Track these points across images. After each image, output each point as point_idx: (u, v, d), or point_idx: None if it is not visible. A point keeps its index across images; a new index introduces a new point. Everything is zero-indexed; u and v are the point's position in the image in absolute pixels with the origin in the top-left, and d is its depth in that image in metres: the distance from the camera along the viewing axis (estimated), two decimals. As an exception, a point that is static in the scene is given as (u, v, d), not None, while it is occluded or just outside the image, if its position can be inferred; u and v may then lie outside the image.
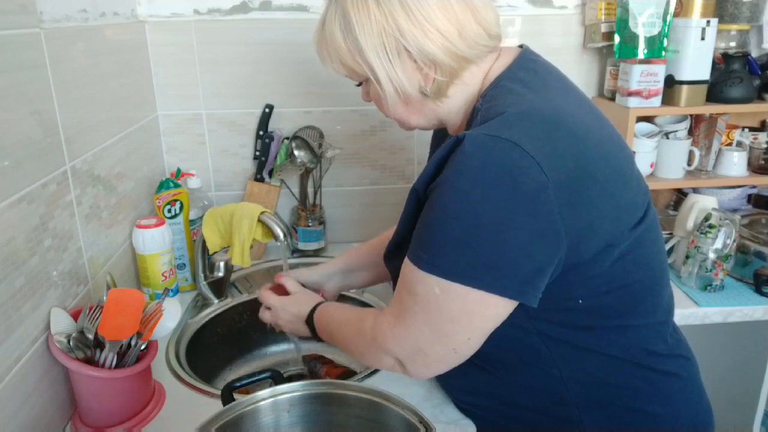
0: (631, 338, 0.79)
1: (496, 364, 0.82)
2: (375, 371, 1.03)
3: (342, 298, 1.17)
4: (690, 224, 1.32)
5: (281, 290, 1.07)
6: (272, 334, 1.32)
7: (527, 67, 0.79)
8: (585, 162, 0.69)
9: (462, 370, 0.78)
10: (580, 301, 0.75)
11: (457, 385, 0.91)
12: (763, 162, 1.51)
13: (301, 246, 1.53)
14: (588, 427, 0.80)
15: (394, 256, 0.84)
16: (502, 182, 0.65)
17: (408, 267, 0.74)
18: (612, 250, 0.73)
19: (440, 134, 1.00)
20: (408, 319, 0.75)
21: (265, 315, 1.05)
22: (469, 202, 0.67)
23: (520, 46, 0.84)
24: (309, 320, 0.96)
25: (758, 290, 1.30)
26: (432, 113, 0.84)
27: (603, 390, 0.79)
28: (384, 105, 0.83)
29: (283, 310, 1.01)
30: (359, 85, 0.85)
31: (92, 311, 0.89)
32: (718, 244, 1.25)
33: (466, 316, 0.71)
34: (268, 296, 1.04)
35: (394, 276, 0.86)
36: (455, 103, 0.81)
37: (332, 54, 0.80)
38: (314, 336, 0.96)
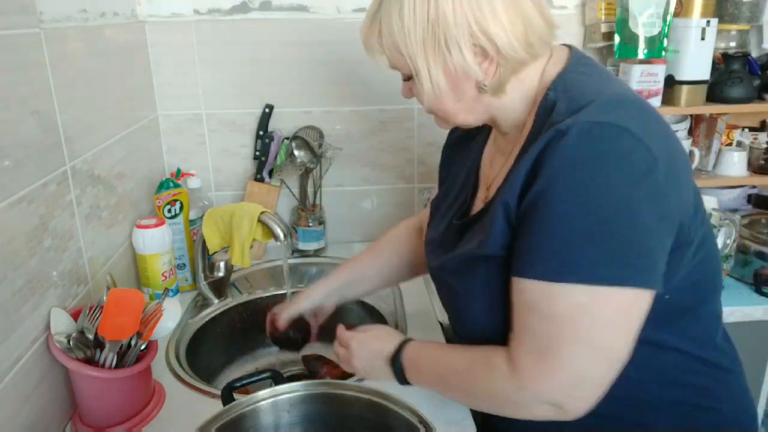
0: (701, 330, 0.79)
1: None
2: (375, 371, 1.02)
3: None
4: (690, 224, 1.32)
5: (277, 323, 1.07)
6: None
7: (585, 62, 0.79)
8: (671, 146, 0.69)
9: None
10: (667, 297, 0.71)
11: None
12: (763, 162, 1.51)
13: (301, 246, 1.53)
14: (660, 425, 0.78)
15: (467, 266, 0.78)
16: (620, 168, 0.63)
17: (534, 289, 0.67)
18: (694, 239, 0.72)
19: (455, 140, 0.99)
20: (555, 349, 0.66)
21: (339, 351, 0.95)
22: (592, 194, 0.63)
23: (567, 45, 0.83)
24: (395, 359, 0.85)
25: (758, 290, 1.30)
26: (483, 109, 0.79)
27: (675, 390, 0.78)
28: (432, 98, 0.77)
29: (361, 345, 0.90)
30: (407, 79, 0.80)
31: (92, 311, 0.89)
32: (719, 245, 1.25)
33: (623, 317, 0.66)
34: (344, 333, 0.94)
35: (432, 268, 0.83)
36: (511, 100, 0.78)
37: (386, 42, 0.76)
38: (397, 378, 0.86)
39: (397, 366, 0.85)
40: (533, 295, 0.67)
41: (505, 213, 0.71)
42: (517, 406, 0.72)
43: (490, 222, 0.73)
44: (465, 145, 0.96)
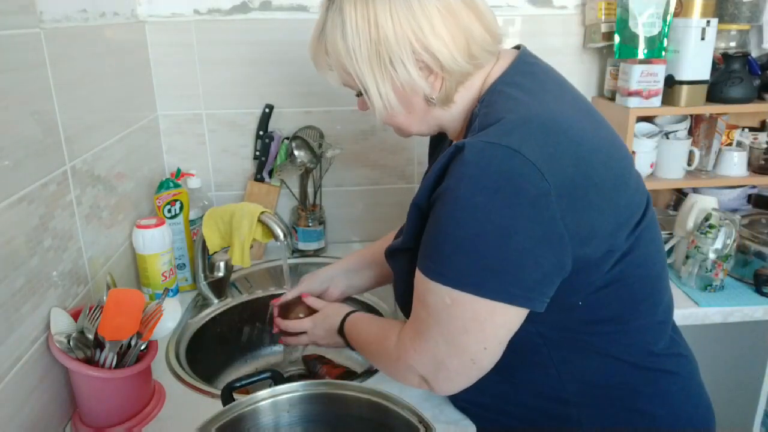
0: (632, 338, 0.79)
1: (495, 364, 0.82)
2: (375, 371, 1.02)
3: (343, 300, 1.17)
4: (690, 224, 1.32)
5: (289, 309, 1.06)
6: (272, 334, 1.32)
7: (524, 70, 0.79)
8: (584, 166, 0.69)
9: None
10: (580, 303, 0.75)
11: None
12: (763, 162, 1.51)
13: (301, 246, 1.53)
14: (587, 427, 0.80)
15: (396, 254, 0.85)
16: (503, 189, 0.66)
17: (419, 278, 0.74)
18: (612, 254, 0.73)
19: (436, 138, 1.00)
20: (424, 332, 0.75)
21: (301, 339, 1.03)
22: (472, 210, 0.67)
23: (517, 47, 0.84)
24: (341, 331, 0.96)
25: (758, 290, 1.30)
26: (434, 120, 0.83)
27: (601, 390, 0.80)
28: (384, 114, 0.81)
29: (316, 327, 1.01)
30: (359, 95, 0.82)
31: (92, 311, 0.89)
32: (718, 244, 1.25)
33: (478, 325, 0.71)
34: (297, 323, 1.03)
35: (396, 273, 0.86)
36: (458, 108, 0.81)
37: (333, 62, 0.79)
38: (349, 346, 0.96)
39: (343, 337, 0.95)
40: (418, 284, 0.75)
41: (418, 213, 0.77)
42: (398, 372, 0.82)
43: (408, 220, 0.79)
44: (445, 140, 0.97)
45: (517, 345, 0.77)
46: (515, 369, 0.81)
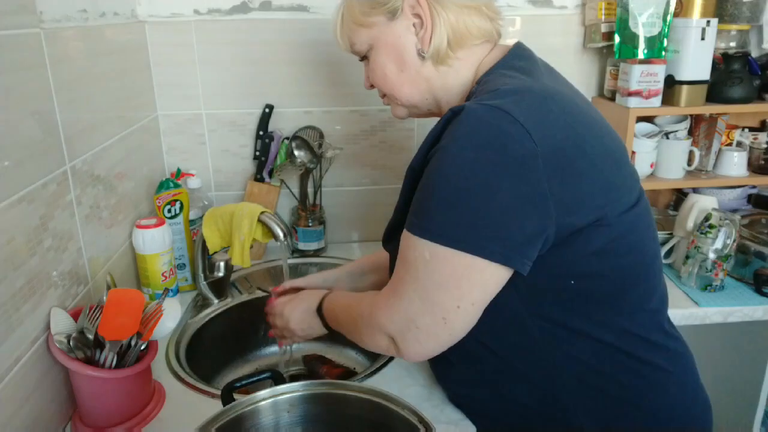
0: (626, 323, 0.79)
1: (488, 351, 0.82)
2: (375, 371, 1.03)
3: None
4: (690, 224, 1.32)
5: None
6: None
7: (521, 55, 0.84)
8: (574, 136, 0.72)
9: (454, 360, 0.78)
10: (572, 282, 0.75)
11: (450, 377, 0.91)
12: (763, 162, 1.51)
13: (301, 246, 1.53)
14: (581, 417, 0.80)
15: (391, 238, 0.85)
16: (491, 146, 0.68)
17: (403, 236, 0.76)
18: (602, 230, 0.73)
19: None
20: (400, 289, 0.75)
21: (275, 320, 1.04)
22: (459, 164, 0.69)
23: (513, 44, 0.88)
24: (319, 309, 0.95)
25: (758, 290, 1.30)
26: (425, 84, 0.87)
27: (595, 379, 0.79)
28: (380, 72, 0.87)
29: (293, 309, 1.00)
30: (363, 59, 0.89)
31: (92, 311, 0.89)
32: (718, 244, 1.25)
33: (454, 281, 0.71)
34: (275, 303, 1.04)
35: (392, 258, 0.86)
36: (450, 83, 0.85)
37: (347, 25, 0.88)
38: (327, 328, 0.95)
39: (320, 315, 0.94)
40: (402, 243, 0.76)
41: (411, 177, 0.79)
42: (367, 331, 0.81)
43: (402, 186, 0.82)
44: None
45: (511, 331, 0.77)
46: (509, 357, 0.81)
